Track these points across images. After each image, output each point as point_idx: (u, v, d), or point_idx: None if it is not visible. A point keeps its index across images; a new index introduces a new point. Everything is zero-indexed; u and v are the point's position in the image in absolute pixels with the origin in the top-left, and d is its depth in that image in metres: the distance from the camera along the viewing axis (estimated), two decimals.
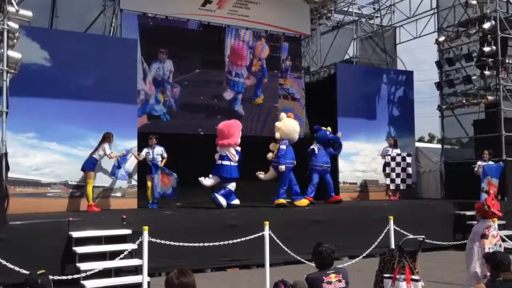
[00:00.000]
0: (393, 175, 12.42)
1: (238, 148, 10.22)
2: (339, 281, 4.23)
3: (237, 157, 10.01)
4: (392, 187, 12.50)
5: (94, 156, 9.54)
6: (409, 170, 12.50)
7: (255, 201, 10.62)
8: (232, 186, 9.95)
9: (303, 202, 10.44)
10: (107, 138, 9.61)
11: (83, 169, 9.50)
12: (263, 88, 13.52)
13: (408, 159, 12.50)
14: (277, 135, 10.40)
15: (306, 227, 9.46)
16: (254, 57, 13.42)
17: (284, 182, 10.31)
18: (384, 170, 12.67)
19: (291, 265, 8.31)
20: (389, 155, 12.52)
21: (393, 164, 12.45)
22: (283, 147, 10.21)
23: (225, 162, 9.92)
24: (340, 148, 11.77)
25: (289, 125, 10.41)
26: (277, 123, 10.57)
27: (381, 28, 15.61)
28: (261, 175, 10.54)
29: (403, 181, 12.45)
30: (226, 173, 9.89)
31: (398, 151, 12.69)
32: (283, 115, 10.69)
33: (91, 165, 9.50)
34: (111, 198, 10.04)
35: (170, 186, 10.18)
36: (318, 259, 4.33)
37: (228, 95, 12.98)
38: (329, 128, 11.64)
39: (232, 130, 10.05)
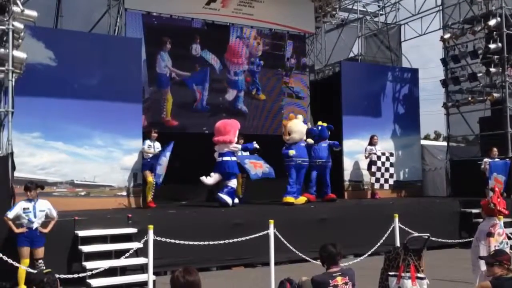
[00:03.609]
0: (378, 174, 12.31)
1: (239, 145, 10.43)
2: (346, 283, 4.19)
3: (239, 147, 10.20)
4: (376, 186, 12.43)
5: (144, 157, 9.98)
6: (392, 170, 12.38)
7: (265, 199, 10.65)
8: (233, 183, 9.95)
9: (300, 200, 10.50)
10: (146, 134, 10.06)
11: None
12: (266, 85, 13.48)
13: (391, 159, 12.39)
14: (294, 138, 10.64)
15: (311, 225, 9.47)
16: (250, 54, 13.33)
17: (291, 179, 10.38)
18: (369, 168, 12.52)
19: (296, 263, 8.31)
20: (375, 153, 12.38)
21: (379, 163, 12.32)
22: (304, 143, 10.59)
23: (226, 158, 9.95)
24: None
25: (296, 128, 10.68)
26: (285, 137, 10.79)
27: (386, 26, 15.55)
28: None
29: (386, 181, 12.36)
30: (228, 168, 9.89)
31: (380, 149, 12.55)
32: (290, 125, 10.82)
33: (143, 166, 9.96)
34: (116, 197, 10.06)
35: (265, 167, 10.32)
36: (322, 254, 4.33)
37: (230, 95, 12.95)
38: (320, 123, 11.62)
39: (228, 127, 10.12)
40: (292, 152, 10.50)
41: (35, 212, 7.03)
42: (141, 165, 10.03)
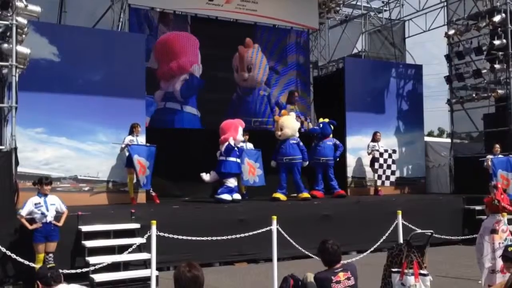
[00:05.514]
0: (380, 171, 12.29)
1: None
2: (348, 278, 4.20)
3: (241, 140, 10.21)
4: (378, 183, 12.43)
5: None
6: (394, 167, 12.39)
7: (268, 195, 10.66)
8: (230, 182, 9.94)
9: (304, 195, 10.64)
10: (131, 129, 9.77)
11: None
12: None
13: (394, 156, 12.41)
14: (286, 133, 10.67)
15: (314, 221, 9.48)
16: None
17: (280, 178, 10.64)
18: (372, 165, 12.51)
19: (299, 259, 8.32)
20: (377, 150, 12.34)
21: (381, 160, 12.29)
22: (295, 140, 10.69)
23: (229, 158, 9.96)
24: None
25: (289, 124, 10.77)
26: (277, 132, 10.82)
27: (390, 22, 15.50)
28: None
29: (387, 178, 12.36)
30: (224, 168, 9.92)
31: (383, 146, 12.53)
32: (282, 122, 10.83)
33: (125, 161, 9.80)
34: (120, 193, 10.06)
35: (256, 175, 10.42)
36: (325, 257, 4.31)
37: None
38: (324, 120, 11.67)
39: (232, 126, 10.19)
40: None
41: (46, 206, 7.03)
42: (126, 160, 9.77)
